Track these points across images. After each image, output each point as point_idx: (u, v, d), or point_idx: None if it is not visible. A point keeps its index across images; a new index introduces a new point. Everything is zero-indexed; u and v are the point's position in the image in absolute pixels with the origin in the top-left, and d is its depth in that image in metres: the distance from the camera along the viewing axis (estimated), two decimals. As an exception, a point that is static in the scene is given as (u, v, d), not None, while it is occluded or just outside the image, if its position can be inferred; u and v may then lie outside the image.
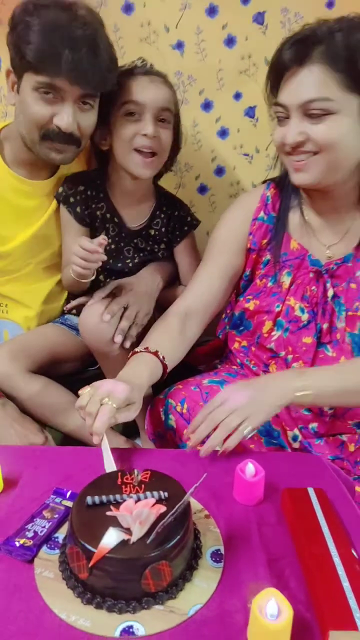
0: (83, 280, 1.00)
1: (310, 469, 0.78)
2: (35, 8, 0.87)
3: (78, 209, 1.08)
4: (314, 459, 0.83)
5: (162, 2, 1.22)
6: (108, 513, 0.55)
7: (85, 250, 0.91)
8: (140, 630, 0.51)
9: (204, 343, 1.21)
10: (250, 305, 1.01)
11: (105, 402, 0.73)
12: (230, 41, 1.26)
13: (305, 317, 0.96)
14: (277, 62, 0.83)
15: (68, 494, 0.69)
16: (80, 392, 0.78)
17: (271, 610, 0.48)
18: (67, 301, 1.21)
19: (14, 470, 0.73)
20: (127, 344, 1.01)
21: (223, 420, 0.75)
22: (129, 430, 1.17)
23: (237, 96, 1.31)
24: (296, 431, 0.97)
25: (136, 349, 0.91)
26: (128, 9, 1.23)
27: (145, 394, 0.88)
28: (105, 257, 0.94)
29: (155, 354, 0.88)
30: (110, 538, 0.53)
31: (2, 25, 1.22)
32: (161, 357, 0.89)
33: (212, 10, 1.23)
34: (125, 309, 1.02)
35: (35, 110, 0.91)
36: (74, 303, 1.11)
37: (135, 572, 0.53)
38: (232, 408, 0.76)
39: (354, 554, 0.59)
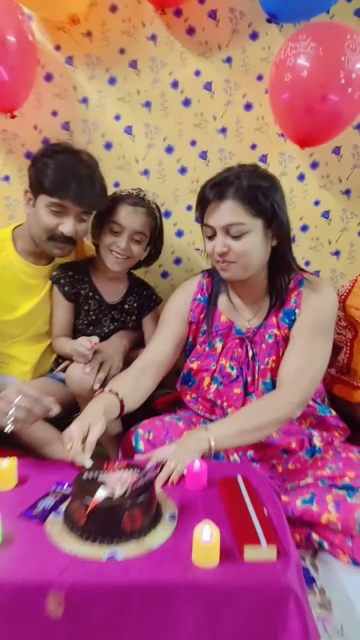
0: (80, 360, 1.28)
1: (241, 468, 1.07)
2: (52, 152, 1.27)
3: (66, 288, 1.42)
4: (245, 465, 1.12)
5: (133, 142, 1.68)
6: (101, 475, 0.83)
7: (83, 349, 1.24)
8: (119, 556, 0.77)
9: (166, 394, 1.52)
10: (194, 365, 1.34)
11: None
12: (183, 170, 1.72)
13: (234, 372, 1.28)
14: (203, 198, 1.20)
15: (65, 485, 0.95)
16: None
17: (205, 535, 0.75)
18: (56, 360, 1.51)
19: (24, 473, 0.99)
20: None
21: (164, 464, 1.00)
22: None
23: (189, 208, 1.74)
24: (236, 456, 1.25)
25: (100, 389, 1.20)
26: (108, 146, 1.68)
27: (116, 431, 1.16)
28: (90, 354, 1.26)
29: (115, 393, 1.16)
30: (100, 494, 0.80)
31: (13, 154, 1.65)
32: (118, 396, 1.16)
33: (169, 149, 1.70)
34: (101, 365, 1.32)
35: (46, 220, 1.28)
36: (62, 366, 1.42)
37: (116, 517, 0.79)
38: (166, 457, 1.02)
39: (265, 510, 0.87)
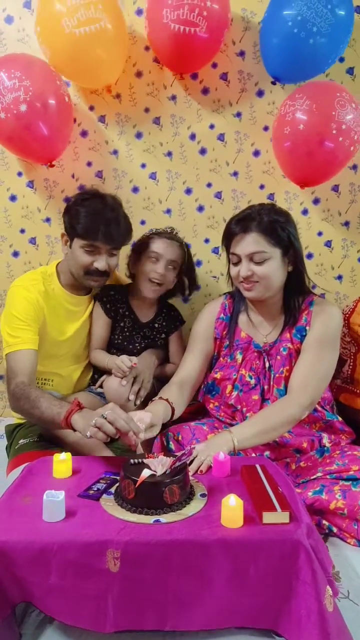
0: (118, 375, 1.47)
1: (259, 460, 1.25)
2: (82, 200, 1.50)
3: (107, 306, 1.64)
4: (263, 459, 1.30)
5: (157, 186, 1.93)
6: (145, 460, 1.02)
7: (124, 366, 1.44)
8: (163, 520, 0.96)
9: (191, 405, 1.72)
10: (218, 375, 1.54)
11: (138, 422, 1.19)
12: (200, 208, 1.96)
13: (252, 382, 1.48)
14: (229, 231, 1.43)
15: (112, 474, 1.15)
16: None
17: (232, 501, 0.94)
18: (92, 377, 1.72)
19: (77, 466, 1.18)
20: (138, 402, 1.50)
21: (196, 457, 1.20)
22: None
23: (206, 240, 1.98)
24: (253, 454, 1.43)
25: (154, 398, 1.39)
26: (135, 190, 1.93)
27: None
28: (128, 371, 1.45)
29: (167, 400, 1.38)
30: (146, 472, 1.00)
31: (54, 199, 1.91)
32: (170, 403, 1.38)
33: (188, 191, 1.94)
34: (135, 378, 1.52)
35: (82, 259, 1.49)
36: (99, 382, 1.63)
37: (159, 490, 0.98)
38: (197, 452, 1.21)
39: (279, 489, 1.05)
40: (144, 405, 1.47)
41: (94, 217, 1.46)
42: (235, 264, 1.43)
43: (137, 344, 1.68)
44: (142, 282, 1.62)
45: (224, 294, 1.61)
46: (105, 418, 1.12)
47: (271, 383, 1.46)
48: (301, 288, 1.46)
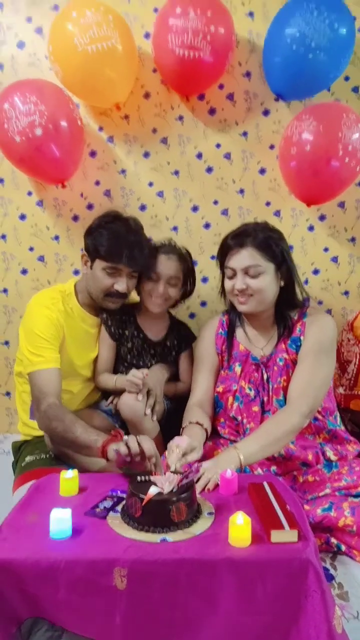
0: (132, 390, 1.48)
1: (266, 477, 1.25)
2: (106, 223, 1.51)
3: (112, 329, 1.64)
4: (270, 476, 1.29)
5: (164, 204, 1.96)
6: (152, 477, 1.02)
7: (137, 379, 1.45)
8: (169, 539, 0.95)
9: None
10: (220, 389, 1.55)
11: (174, 449, 1.19)
12: (207, 225, 1.98)
13: (252, 393, 1.49)
14: (225, 245, 1.46)
15: (118, 491, 1.15)
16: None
17: (239, 519, 0.94)
18: (102, 394, 1.72)
19: (83, 483, 1.18)
20: (154, 417, 1.50)
21: (203, 474, 1.20)
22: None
23: (213, 257, 1.97)
24: (259, 470, 1.42)
25: (185, 425, 1.41)
26: (143, 208, 1.96)
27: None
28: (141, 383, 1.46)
29: (197, 423, 1.40)
30: (153, 490, 1.00)
31: (62, 217, 1.94)
32: (202, 424, 1.40)
33: (195, 208, 1.97)
34: (148, 392, 1.51)
35: (103, 282, 1.51)
36: (110, 400, 1.63)
37: (166, 508, 0.98)
38: (204, 469, 1.20)
39: (287, 507, 1.05)
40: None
41: (117, 240, 1.47)
42: (231, 278, 1.46)
43: (147, 363, 1.67)
44: (146, 299, 1.62)
45: (222, 312, 1.64)
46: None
47: (270, 394, 1.47)
48: (293, 302, 1.49)
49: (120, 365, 1.68)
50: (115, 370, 1.68)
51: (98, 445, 1.23)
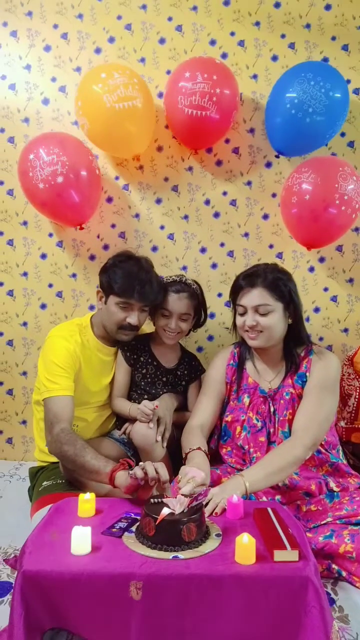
0: (144, 419, 1.57)
1: (271, 504, 1.33)
2: (119, 262, 1.64)
3: (128, 354, 1.76)
4: (274, 503, 1.37)
5: (174, 246, 2.11)
6: (164, 500, 1.11)
7: (148, 410, 1.54)
8: (181, 557, 1.03)
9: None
10: (229, 418, 1.64)
11: (189, 481, 1.26)
12: (214, 266, 2.12)
13: (259, 424, 1.58)
14: (237, 285, 1.58)
15: (132, 514, 1.23)
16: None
17: (245, 539, 1.02)
18: (115, 424, 1.82)
19: (99, 506, 1.27)
20: (164, 444, 1.60)
21: (211, 499, 1.28)
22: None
23: (219, 295, 2.12)
24: (264, 498, 1.50)
25: (190, 449, 1.48)
26: (155, 249, 2.11)
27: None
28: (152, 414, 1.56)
29: (202, 450, 1.48)
30: (165, 511, 1.09)
31: (80, 257, 2.09)
32: (205, 451, 1.49)
33: (203, 250, 2.12)
34: (158, 420, 1.61)
35: (117, 316, 1.63)
36: (123, 429, 1.73)
37: (177, 528, 1.06)
38: (212, 495, 1.29)
39: (289, 530, 1.13)
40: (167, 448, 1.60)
41: (130, 277, 1.60)
42: (242, 315, 1.57)
43: (159, 390, 1.78)
44: (160, 333, 1.74)
45: (233, 343, 1.74)
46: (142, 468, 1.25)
47: (276, 426, 1.56)
48: (300, 339, 1.59)
49: (134, 392, 1.78)
50: (129, 397, 1.78)
51: (107, 471, 1.32)
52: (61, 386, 1.56)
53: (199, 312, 1.77)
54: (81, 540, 1.04)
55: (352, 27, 2.05)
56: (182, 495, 1.15)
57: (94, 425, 1.75)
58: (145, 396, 1.74)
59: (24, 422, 2.15)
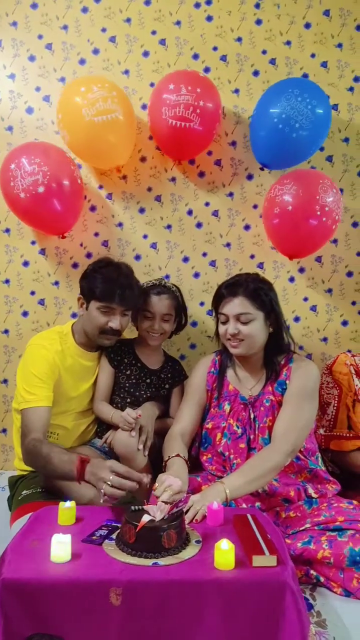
0: (126, 428, 1.57)
1: (250, 511, 1.34)
2: (99, 267, 1.67)
3: (112, 355, 1.78)
4: (253, 510, 1.39)
5: (157, 255, 2.13)
6: (145, 507, 1.12)
7: (130, 418, 1.55)
8: (161, 563, 1.04)
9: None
10: (209, 425, 1.66)
11: (166, 490, 1.27)
12: (196, 275, 2.15)
13: (239, 431, 1.60)
14: (220, 294, 1.61)
15: (113, 522, 1.23)
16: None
17: (224, 545, 1.04)
18: (96, 432, 1.82)
19: (79, 514, 1.26)
20: (145, 452, 1.60)
21: (192, 506, 1.30)
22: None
23: (202, 304, 2.15)
24: (244, 505, 1.52)
25: (169, 457, 1.50)
26: (138, 258, 2.13)
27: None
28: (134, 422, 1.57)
29: (182, 457, 1.50)
30: (146, 518, 1.09)
31: (62, 265, 2.09)
32: (185, 459, 1.50)
33: (185, 259, 2.14)
34: (141, 429, 1.61)
35: (98, 320, 1.65)
36: (105, 437, 1.72)
37: (157, 535, 1.07)
38: (192, 502, 1.30)
39: (268, 535, 1.14)
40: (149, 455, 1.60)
41: (110, 282, 1.63)
42: (224, 323, 1.60)
43: (143, 392, 1.79)
44: (144, 335, 1.78)
45: (215, 351, 1.77)
46: (111, 485, 1.23)
47: (256, 433, 1.58)
48: (280, 347, 1.62)
49: (117, 396, 1.79)
50: (111, 401, 1.79)
51: (73, 475, 1.32)
52: (38, 397, 1.56)
53: (179, 313, 1.82)
54: (61, 548, 1.04)
55: (331, 45, 2.12)
56: (162, 502, 1.16)
57: (74, 433, 1.75)
58: (129, 399, 1.76)
59: (4, 430, 2.13)
